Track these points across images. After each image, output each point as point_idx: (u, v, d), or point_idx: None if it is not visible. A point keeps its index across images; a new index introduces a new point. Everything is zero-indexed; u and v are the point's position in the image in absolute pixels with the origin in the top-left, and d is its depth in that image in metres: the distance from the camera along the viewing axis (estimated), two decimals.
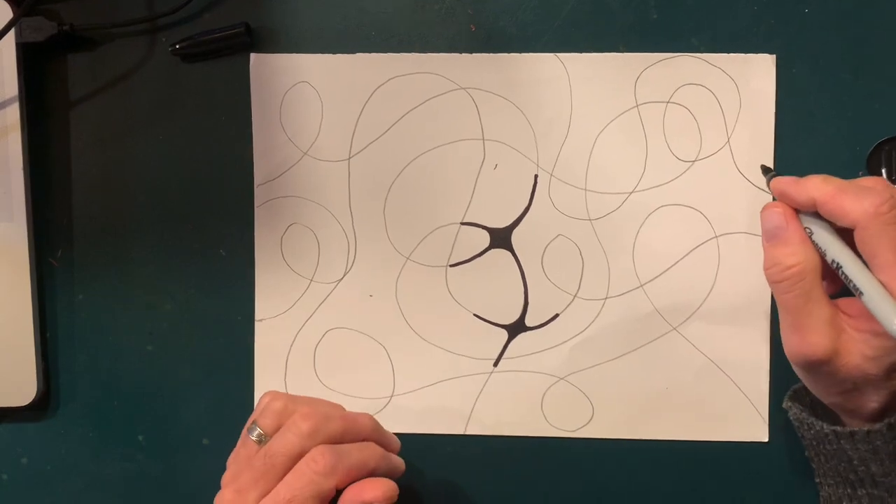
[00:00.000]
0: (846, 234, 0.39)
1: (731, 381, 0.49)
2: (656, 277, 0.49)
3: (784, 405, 0.45)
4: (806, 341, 0.39)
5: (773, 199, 0.43)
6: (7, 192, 0.49)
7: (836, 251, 0.39)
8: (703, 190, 0.49)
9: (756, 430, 0.49)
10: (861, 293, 0.38)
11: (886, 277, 0.37)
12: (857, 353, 0.39)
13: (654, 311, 0.49)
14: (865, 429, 0.40)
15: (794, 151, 0.48)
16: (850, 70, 0.48)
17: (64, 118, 0.50)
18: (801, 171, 0.48)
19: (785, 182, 0.41)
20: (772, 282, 0.40)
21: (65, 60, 0.50)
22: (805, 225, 0.40)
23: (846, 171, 0.48)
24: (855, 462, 0.40)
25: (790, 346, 0.40)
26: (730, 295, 0.49)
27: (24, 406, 0.50)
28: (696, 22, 0.48)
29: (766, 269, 0.41)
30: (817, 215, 0.40)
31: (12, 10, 0.48)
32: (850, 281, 0.38)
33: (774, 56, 0.48)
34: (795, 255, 0.39)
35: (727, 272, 0.49)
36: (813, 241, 0.40)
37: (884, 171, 0.46)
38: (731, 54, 0.48)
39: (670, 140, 0.49)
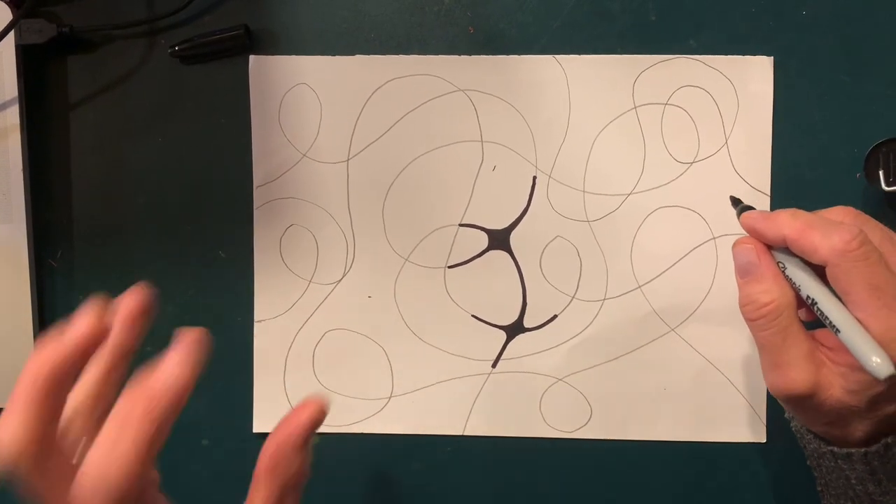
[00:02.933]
0: (819, 268, 0.38)
1: (729, 382, 0.49)
2: (654, 279, 0.49)
3: (786, 415, 0.44)
4: (786, 378, 0.38)
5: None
6: (7, 194, 0.49)
7: (811, 287, 0.38)
8: (701, 191, 0.49)
9: (754, 430, 0.49)
10: (838, 330, 0.37)
11: (862, 314, 0.37)
12: (838, 386, 0.38)
13: (652, 312, 0.49)
14: (862, 450, 0.39)
15: (792, 153, 0.48)
16: (847, 72, 0.48)
17: (64, 120, 0.50)
18: (799, 173, 0.48)
19: (754, 218, 0.40)
20: (748, 319, 0.40)
21: (65, 62, 0.50)
22: (778, 260, 0.40)
23: (844, 173, 0.48)
24: (853, 481, 0.40)
25: (771, 382, 0.39)
26: (728, 296, 0.49)
27: None
28: (694, 24, 0.48)
29: (741, 306, 0.40)
30: (790, 250, 0.39)
31: (12, 12, 0.48)
32: (826, 318, 0.38)
33: (772, 58, 0.48)
34: (770, 293, 0.39)
35: (725, 273, 0.49)
36: (786, 276, 0.39)
37: (881, 172, 0.46)
38: (729, 56, 0.48)
39: (668, 142, 0.49)
